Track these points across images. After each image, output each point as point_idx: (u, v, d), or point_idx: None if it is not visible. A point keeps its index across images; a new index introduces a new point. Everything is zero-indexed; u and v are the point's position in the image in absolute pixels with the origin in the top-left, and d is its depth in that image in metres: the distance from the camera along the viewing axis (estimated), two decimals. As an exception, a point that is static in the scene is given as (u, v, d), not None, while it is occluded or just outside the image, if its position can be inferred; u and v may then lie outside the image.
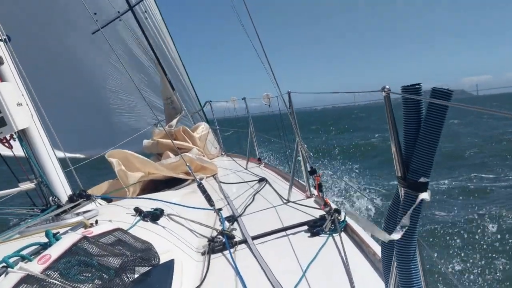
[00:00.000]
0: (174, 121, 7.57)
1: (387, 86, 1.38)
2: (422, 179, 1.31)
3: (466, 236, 7.95)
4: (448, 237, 7.96)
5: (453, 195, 10.93)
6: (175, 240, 2.71)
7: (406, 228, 1.35)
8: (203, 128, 7.27)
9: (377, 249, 2.37)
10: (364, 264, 2.34)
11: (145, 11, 7.86)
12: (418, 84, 1.29)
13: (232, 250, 2.74)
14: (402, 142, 1.39)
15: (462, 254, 7.11)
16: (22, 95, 3.31)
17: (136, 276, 1.90)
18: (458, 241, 7.76)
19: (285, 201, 3.79)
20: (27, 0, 6.81)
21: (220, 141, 7.94)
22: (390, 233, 1.46)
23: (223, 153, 7.77)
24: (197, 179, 3.67)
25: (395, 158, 1.39)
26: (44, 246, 1.84)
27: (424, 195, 1.31)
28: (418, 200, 1.32)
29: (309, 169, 3.59)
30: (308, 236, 2.85)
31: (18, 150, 3.36)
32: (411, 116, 1.32)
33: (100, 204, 3.44)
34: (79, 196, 3.36)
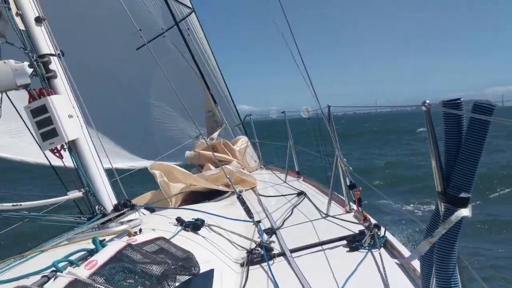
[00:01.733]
0: (216, 134, 7.70)
1: (427, 101, 1.38)
2: (463, 194, 1.30)
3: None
4: (492, 257, 7.67)
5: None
6: (215, 250, 2.76)
7: (446, 244, 1.34)
8: (243, 141, 7.36)
9: (417, 265, 2.33)
10: (404, 280, 2.30)
11: (188, 29, 8.09)
12: (459, 99, 1.29)
13: (270, 262, 2.75)
14: (443, 156, 1.38)
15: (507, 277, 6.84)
16: (73, 107, 3.47)
17: (177, 284, 1.95)
18: (501, 263, 7.47)
19: (324, 215, 3.77)
20: (78, 18, 7.14)
21: (260, 155, 7.98)
22: (430, 252, 1.45)
23: (262, 166, 7.81)
24: (237, 191, 3.72)
25: (435, 172, 1.38)
26: (91, 252, 1.93)
27: (465, 211, 1.30)
28: (456, 216, 1.31)
29: (348, 184, 3.57)
30: (347, 251, 2.83)
31: (67, 160, 3.52)
32: (452, 130, 1.32)
33: (144, 214, 3.55)
34: (124, 206, 3.46)
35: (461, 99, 1.29)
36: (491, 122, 1.22)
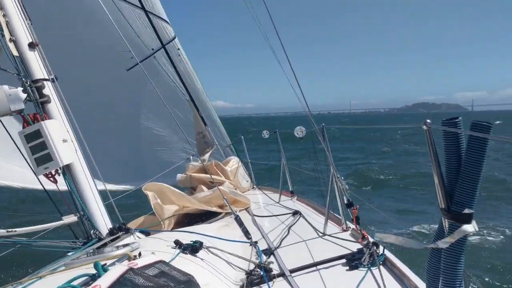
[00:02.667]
0: (207, 155, 7.69)
1: (428, 121, 1.41)
2: (466, 211, 1.32)
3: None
4: (498, 274, 7.70)
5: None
6: (215, 272, 2.74)
7: (452, 259, 1.35)
8: (234, 161, 7.36)
9: (418, 282, 2.34)
10: None
11: (179, 49, 8.12)
12: (457, 117, 1.32)
13: (270, 283, 2.74)
14: (444, 174, 1.41)
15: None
16: (67, 131, 3.46)
17: (180, 307, 1.94)
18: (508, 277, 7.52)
19: (320, 234, 3.77)
20: (69, 42, 7.15)
21: (252, 174, 7.98)
22: (436, 268, 1.46)
23: (255, 186, 7.80)
24: (234, 212, 3.71)
25: (438, 189, 1.40)
26: (93, 278, 1.91)
27: (469, 227, 1.32)
28: (460, 232, 1.33)
29: (346, 202, 3.59)
30: (347, 270, 2.82)
31: (61, 184, 3.49)
32: (452, 148, 1.35)
33: (139, 237, 3.51)
34: (119, 229, 3.43)
35: (459, 118, 1.33)
36: (489, 140, 1.25)
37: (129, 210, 10.24)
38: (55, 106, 3.47)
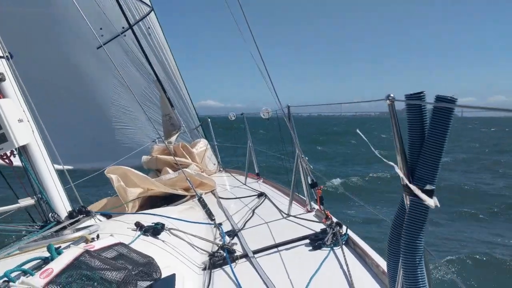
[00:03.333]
0: (174, 138, 7.58)
1: (391, 95, 1.39)
2: (428, 187, 1.32)
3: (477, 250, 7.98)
4: (457, 246, 7.97)
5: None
6: (176, 254, 2.70)
7: (412, 235, 1.35)
8: (202, 144, 7.28)
9: (380, 261, 2.36)
10: (367, 276, 2.33)
11: (149, 27, 7.92)
12: (422, 92, 1.31)
13: (233, 264, 2.72)
14: (406, 150, 1.40)
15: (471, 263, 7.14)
16: (23, 111, 3.32)
17: (138, 290, 1.89)
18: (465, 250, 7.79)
19: (285, 216, 3.78)
20: (31, 16, 6.88)
21: (219, 157, 7.93)
22: (396, 243, 1.46)
23: (222, 169, 7.76)
24: (198, 194, 3.66)
25: (400, 166, 1.39)
26: (46, 260, 1.84)
27: (431, 201, 1.31)
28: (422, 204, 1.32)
29: (310, 182, 3.58)
30: (310, 250, 2.84)
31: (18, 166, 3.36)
32: (416, 123, 1.33)
33: (100, 220, 3.43)
34: (79, 212, 3.34)
35: (424, 92, 1.31)
36: (453, 114, 1.24)
37: (92, 193, 10.05)
38: (10, 85, 3.32)
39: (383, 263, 2.34)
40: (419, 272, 1.33)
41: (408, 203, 1.35)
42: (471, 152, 30.18)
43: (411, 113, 1.32)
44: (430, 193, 1.30)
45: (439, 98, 1.22)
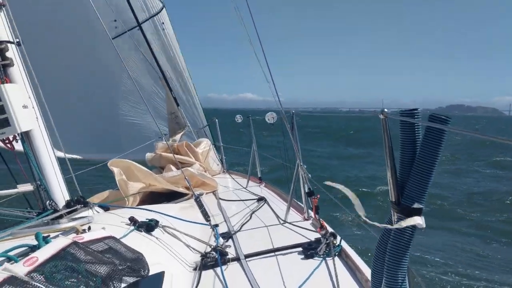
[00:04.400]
0: (178, 136, 7.58)
1: (385, 109, 1.37)
2: (416, 205, 1.30)
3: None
4: (441, 268, 7.88)
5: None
6: (168, 252, 2.69)
7: (397, 254, 1.33)
8: (205, 144, 7.26)
9: (370, 276, 2.33)
10: None
11: (163, 23, 7.94)
12: (416, 109, 1.29)
13: (224, 267, 2.71)
14: (398, 167, 1.38)
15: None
16: (29, 97, 3.34)
17: (123, 285, 1.88)
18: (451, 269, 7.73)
19: (281, 222, 3.76)
20: (46, 4, 6.93)
21: (223, 159, 7.93)
22: (381, 260, 1.44)
23: (225, 171, 7.76)
24: (195, 193, 3.65)
25: (390, 182, 1.37)
26: (33, 248, 1.83)
27: (418, 219, 1.29)
28: (408, 221, 1.30)
29: (307, 191, 3.56)
30: (302, 258, 2.81)
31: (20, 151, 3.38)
32: (408, 140, 1.32)
33: (97, 212, 3.43)
34: (77, 202, 3.34)
35: (419, 109, 1.30)
36: (446, 134, 1.22)
37: (94, 184, 10.07)
38: (17, 71, 3.33)
39: None
40: None
41: (395, 220, 1.33)
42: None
43: (404, 130, 1.31)
44: (418, 212, 1.28)
45: (432, 117, 1.21)
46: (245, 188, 5.84)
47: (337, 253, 2.75)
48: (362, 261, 2.58)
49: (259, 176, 6.17)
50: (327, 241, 2.86)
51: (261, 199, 4.74)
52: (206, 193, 5.64)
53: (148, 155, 6.97)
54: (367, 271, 2.41)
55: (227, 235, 3.42)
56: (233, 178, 6.91)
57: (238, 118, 7.25)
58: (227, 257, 2.85)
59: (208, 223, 3.65)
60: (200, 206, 3.58)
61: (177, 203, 5.05)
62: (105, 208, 3.79)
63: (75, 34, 7.47)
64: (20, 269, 1.54)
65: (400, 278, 1.34)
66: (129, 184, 5.37)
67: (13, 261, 1.65)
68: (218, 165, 7.56)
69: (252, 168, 6.23)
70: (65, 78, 7.44)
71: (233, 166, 8.14)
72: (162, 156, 6.70)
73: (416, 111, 1.30)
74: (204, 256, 2.83)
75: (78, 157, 7.65)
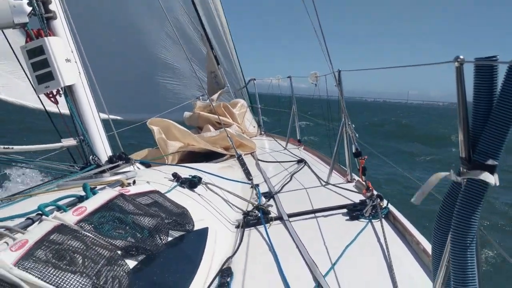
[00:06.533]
0: (216, 96, 7.52)
1: (461, 56, 1.23)
2: (490, 162, 1.17)
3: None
4: None
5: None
6: (211, 209, 2.66)
7: (466, 213, 1.22)
8: (241, 105, 7.17)
9: (421, 239, 2.23)
10: (406, 253, 2.22)
11: None
12: (494, 56, 1.15)
13: (267, 225, 2.66)
14: (471, 119, 1.25)
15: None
16: (72, 51, 3.31)
17: (169, 239, 1.86)
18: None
19: (324, 183, 3.67)
20: None
21: (261, 120, 7.84)
22: (446, 220, 1.33)
23: (263, 132, 7.68)
24: (238, 152, 3.59)
25: (460, 136, 1.24)
26: (81, 199, 1.83)
27: (491, 178, 1.17)
28: (481, 178, 1.18)
29: (354, 151, 3.44)
30: (346, 220, 2.73)
31: (63, 107, 3.39)
32: (484, 89, 1.18)
33: (139, 168, 3.44)
34: (119, 158, 3.35)
35: (497, 56, 1.15)
36: None
37: (133, 142, 10.20)
38: (60, 24, 3.30)
39: (424, 241, 2.21)
40: (469, 256, 1.20)
41: (465, 177, 1.21)
42: None
43: (480, 77, 1.16)
44: (491, 169, 1.15)
45: None
46: (284, 149, 5.76)
47: (384, 215, 2.66)
48: (411, 224, 2.48)
49: (298, 138, 6.08)
50: (374, 203, 2.76)
51: (301, 160, 4.65)
52: (245, 154, 5.59)
53: (187, 113, 6.95)
54: (417, 234, 2.31)
55: (269, 195, 3.37)
56: (271, 140, 6.84)
57: (279, 77, 7.09)
58: (270, 216, 2.81)
59: (250, 181, 3.61)
60: (242, 164, 3.53)
61: (217, 163, 5.04)
62: (147, 164, 3.80)
63: None
64: (70, 218, 1.53)
65: (468, 239, 1.23)
66: (168, 143, 5.38)
67: (62, 210, 1.64)
68: (254, 127, 7.49)
69: (291, 131, 6.13)
70: (104, 36, 7.43)
71: (269, 130, 8.03)
72: (200, 116, 6.67)
73: (494, 58, 1.15)
74: (246, 214, 2.79)
75: (116, 116, 7.72)
